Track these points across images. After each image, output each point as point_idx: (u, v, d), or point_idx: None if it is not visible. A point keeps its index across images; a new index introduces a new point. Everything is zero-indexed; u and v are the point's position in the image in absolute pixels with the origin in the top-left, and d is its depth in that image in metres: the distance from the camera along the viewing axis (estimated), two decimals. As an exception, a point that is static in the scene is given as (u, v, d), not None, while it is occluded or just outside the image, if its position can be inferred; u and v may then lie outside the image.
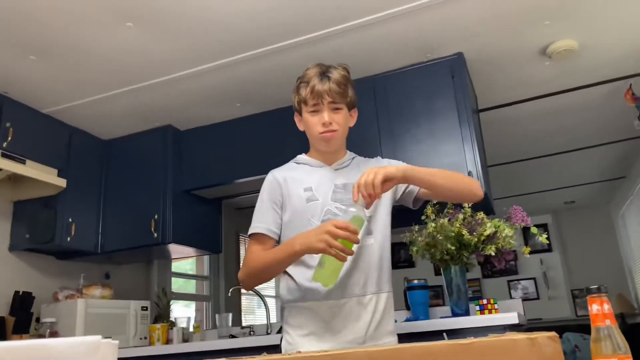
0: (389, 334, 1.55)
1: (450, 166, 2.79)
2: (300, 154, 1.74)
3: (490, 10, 2.57)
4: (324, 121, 1.54)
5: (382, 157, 2.89)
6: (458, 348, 0.84)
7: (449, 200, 1.94)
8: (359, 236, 1.35)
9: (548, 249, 6.88)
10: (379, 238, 1.58)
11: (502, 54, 2.99)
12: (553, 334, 0.82)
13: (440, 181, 1.52)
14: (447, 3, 2.48)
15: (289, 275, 1.57)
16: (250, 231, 1.59)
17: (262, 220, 1.59)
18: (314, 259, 1.46)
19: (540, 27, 2.75)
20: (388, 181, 1.38)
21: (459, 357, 0.83)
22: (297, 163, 1.70)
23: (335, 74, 1.55)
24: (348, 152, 1.72)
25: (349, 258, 1.43)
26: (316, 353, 0.87)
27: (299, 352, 1.02)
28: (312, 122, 1.57)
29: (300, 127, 1.66)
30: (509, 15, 2.63)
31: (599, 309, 0.87)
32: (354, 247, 1.38)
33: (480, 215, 2.36)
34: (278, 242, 1.58)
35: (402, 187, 1.65)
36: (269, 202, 1.60)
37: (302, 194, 1.58)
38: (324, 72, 1.55)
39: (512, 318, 2.16)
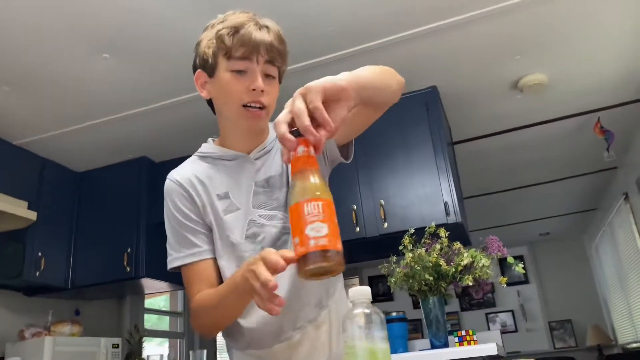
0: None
1: (427, 197, 2.81)
2: (208, 141, 1.25)
3: (462, 45, 2.65)
4: (255, 86, 1.06)
5: (359, 186, 2.97)
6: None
7: (379, 109, 1.14)
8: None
9: (525, 280, 6.92)
10: None
11: (475, 87, 3.06)
12: (533, 360, 0.82)
13: (387, 83, 1.05)
14: (420, 38, 2.55)
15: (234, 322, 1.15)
16: (173, 264, 1.15)
17: (184, 245, 1.14)
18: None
19: (512, 62, 2.83)
20: (338, 101, 0.82)
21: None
22: (202, 157, 1.21)
23: (275, 26, 1.10)
24: (271, 127, 1.23)
25: (293, 278, 1.10)
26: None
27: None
28: (234, 87, 1.08)
29: (204, 93, 1.16)
30: (481, 50, 2.71)
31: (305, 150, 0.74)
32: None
33: (457, 245, 2.37)
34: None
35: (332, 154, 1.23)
36: (184, 217, 1.15)
37: (216, 205, 1.14)
38: (258, 20, 1.09)
39: (491, 349, 2.15)
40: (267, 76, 1.10)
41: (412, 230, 2.48)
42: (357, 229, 2.89)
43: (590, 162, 4.40)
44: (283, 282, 1.08)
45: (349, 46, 2.58)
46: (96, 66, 2.54)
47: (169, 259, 1.17)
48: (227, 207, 1.14)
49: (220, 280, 1.14)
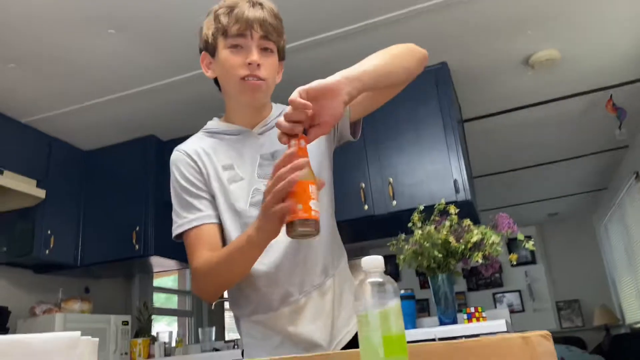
0: (351, 317, 1.23)
1: (436, 174, 2.79)
2: (213, 119, 1.31)
3: (473, 20, 2.60)
4: (250, 60, 1.12)
5: (367, 163, 2.95)
6: (451, 348, 0.81)
7: (395, 88, 1.24)
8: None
9: (532, 260, 6.91)
10: (324, 201, 1.19)
11: (486, 63, 3.01)
12: (546, 332, 0.80)
13: (396, 66, 1.12)
14: (430, 12, 2.50)
15: (237, 288, 1.21)
16: (178, 230, 1.17)
17: (190, 210, 1.17)
18: (265, 264, 1.14)
19: (523, 37, 2.78)
20: (330, 98, 0.93)
21: (453, 356, 0.80)
22: (207, 133, 1.26)
23: (269, 4, 1.16)
24: (274, 105, 1.29)
25: (296, 243, 1.14)
26: (308, 355, 0.84)
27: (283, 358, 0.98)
28: (232, 62, 1.14)
29: (209, 73, 1.23)
30: (492, 25, 2.66)
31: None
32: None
33: (467, 222, 2.35)
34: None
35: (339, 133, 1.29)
36: (189, 185, 1.19)
37: (221, 174, 1.19)
38: (252, 0, 1.15)
39: (500, 326, 2.14)
40: (264, 50, 1.15)
41: (422, 208, 2.46)
42: (366, 207, 2.88)
43: (601, 140, 4.35)
44: (291, 246, 1.15)
45: (356, 22, 2.54)
46: (102, 42, 2.52)
47: (174, 227, 1.19)
48: (232, 177, 1.19)
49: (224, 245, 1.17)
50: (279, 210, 0.90)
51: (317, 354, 0.85)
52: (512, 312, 6.67)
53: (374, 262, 0.76)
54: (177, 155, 1.23)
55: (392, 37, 2.69)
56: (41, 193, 3.14)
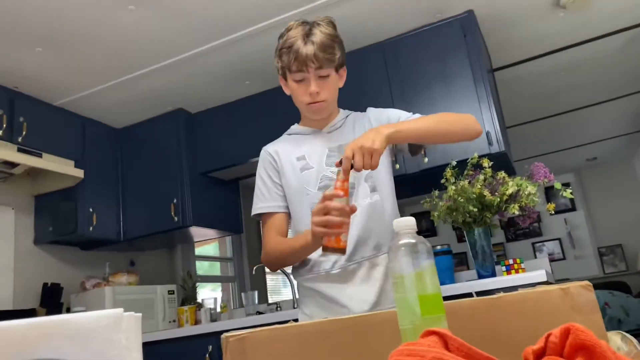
0: None
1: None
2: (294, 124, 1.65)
3: (499, -38, 2.48)
4: (310, 91, 1.41)
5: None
6: (488, 303, 0.81)
7: (447, 143, 1.66)
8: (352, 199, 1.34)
9: (572, 208, 6.78)
10: (385, 191, 1.49)
11: (514, 8, 2.89)
12: (586, 283, 0.79)
13: (433, 130, 1.40)
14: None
15: None
16: (257, 211, 1.53)
17: (266, 199, 1.52)
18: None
19: (553, -23, 2.65)
20: (372, 154, 1.25)
21: (491, 312, 0.80)
22: (289, 135, 1.62)
23: (320, 36, 1.38)
24: (341, 110, 1.60)
25: (355, 219, 1.39)
26: (345, 317, 0.85)
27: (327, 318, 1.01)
28: (298, 92, 1.45)
29: (287, 92, 1.53)
30: (519, -33, 2.54)
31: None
32: (358, 209, 1.35)
33: (502, 174, 2.31)
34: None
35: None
36: (268, 179, 1.54)
37: (295, 164, 1.51)
38: (307, 34, 1.39)
39: (540, 276, 2.13)
40: (321, 77, 1.42)
41: (454, 163, 2.43)
42: (397, 166, 2.85)
43: (638, 80, 4.16)
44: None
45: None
46: (123, 19, 2.52)
47: (254, 207, 1.54)
48: (304, 166, 1.50)
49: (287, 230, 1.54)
50: (318, 233, 1.23)
51: (354, 315, 0.87)
52: (552, 260, 6.61)
53: (406, 224, 0.76)
54: (263, 154, 1.59)
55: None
56: (80, 173, 3.23)
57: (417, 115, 1.52)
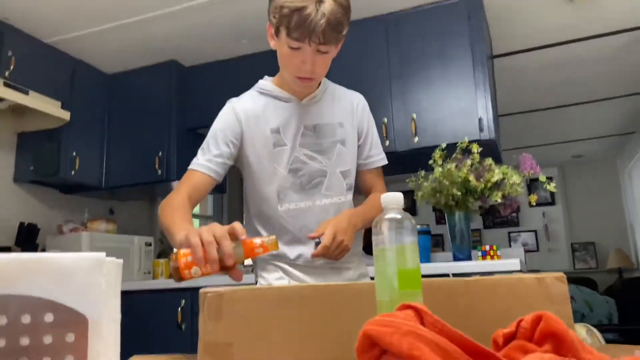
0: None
1: (461, 111, 2.74)
2: (265, 78, 1.47)
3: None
4: (305, 67, 1.27)
5: (391, 98, 2.89)
6: (466, 284, 0.83)
7: None
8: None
9: (551, 202, 6.89)
10: (350, 191, 1.45)
11: (522, -4, 2.87)
12: (560, 274, 0.81)
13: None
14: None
15: (260, 234, 1.41)
16: (194, 167, 1.36)
17: (207, 159, 1.35)
18: (290, 224, 1.38)
19: (564, -32, 2.62)
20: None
21: (467, 292, 0.82)
22: (261, 92, 1.43)
23: (332, 6, 1.19)
24: (322, 80, 1.45)
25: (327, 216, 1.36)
26: (324, 284, 0.86)
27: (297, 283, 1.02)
28: (290, 60, 1.28)
29: (272, 46, 1.34)
30: (532, -46, 2.50)
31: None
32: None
33: (489, 161, 2.33)
34: (223, 187, 1.41)
35: (360, 157, 1.49)
36: (222, 142, 1.36)
37: (268, 136, 1.36)
38: (318, 4, 1.18)
39: (514, 265, 2.17)
40: (320, 52, 1.25)
41: (444, 145, 2.44)
42: (387, 142, 2.85)
43: (634, 83, 4.18)
44: (314, 217, 1.37)
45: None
46: (125, -39, 2.45)
47: (195, 160, 1.38)
48: (277, 142, 1.36)
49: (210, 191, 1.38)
50: (182, 246, 1.01)
51: (334, 283, 0.88)
52: (526, 251, 6.74)
53: (393, 199, 0.77)
54: (227, 108, 1.40)
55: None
56: (66, 115, 3.17)
57: (383, 157, 1.52)
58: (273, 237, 1.03)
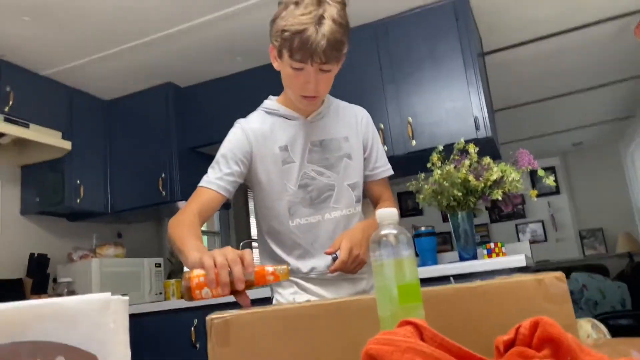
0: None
1: (456, 112, 2.76)
2: (270, 98, 1.52)
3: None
4: (309, 87, 1.31)
5: (386, 104, 2.91)
6: (465, 291, 0.84)
7: None
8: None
9: (556, 191, 6.87)
10: (359, 203, 1.49)
11: (507, -8, 2.89)
12: (560, 274, 0.82)
13: None
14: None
15: (272, 250, 1.46)
16: (204, 184, 1.38)
17: (214, 175, 1.38)
18: (302, 239, 1.42)
19: (547, -38, 2.64)
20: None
21: (467, 300, 0.83)
22: (267, 112, 1.47)
23: (332, 27, 1.22)
24: (327, 97, 1.50)
25: (337, 230, 1.40)
26: (328, 301, 0.88)
27: (309, 301, 1.04)
28: (293, 80, 1.32)
29: (276, 66, 1.38)
30: (513, -49, 2.53)
31: None
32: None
33: (487, 160, 2.34)
34: (228, 202, 1.41)
35: (367, 169, 1.53)
36: (232, 160, 1.39)
37: (277, 154, 1.40)
38: (318, 20, 1.21)
39: (519, 261, 2.18)
40: (322, 71, 1.29)
41: (441, 148, 2.46)
42: (385, 147, 2.87)
43: (627, 68, 4.19)
44: (327, 230, 1.42)
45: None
46: (113, -9, 2.48)
47: (206, 177, 1.40)
48: (286, 159, 1.40)
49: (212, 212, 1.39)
50: (195, 267, 1.03)
51: (336, 299, 0.89)
52: (535, 242, 6.72)
53: (388, 214, 0.79)
54: (237, 129, 1.43)
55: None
56: (67, 144, 3.21)
57: (388, 167, 1.56)
58: (285, 266, 1.05)
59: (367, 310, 0.80)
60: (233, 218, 4.89)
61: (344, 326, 0.81)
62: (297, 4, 1.24)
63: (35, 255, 3.12)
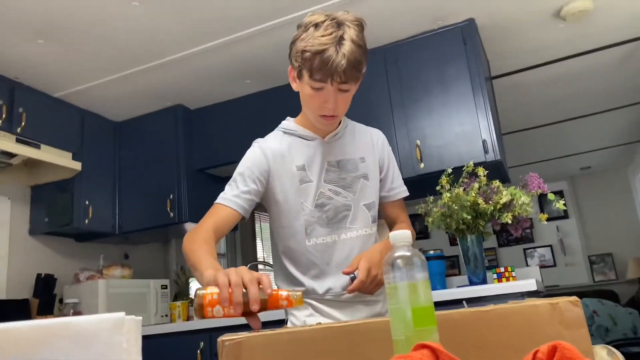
0: None
1: (464, 135, 2.77)
2: (287, 119, 1.53)
3: (501, -27, 2.50)
4: (328, 107, 1.32)
5: (394, 127, 2.92)
6: (479, 315, 0.83)
7: None
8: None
9: (564, 215, 6.83)
10: (375, 223, 1.49)
11: (515, 17, 2.92)
12: (574, 298, 0.81)
13: None
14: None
15: (288, 270, 1.46)
16: (221, 201, 1.38)
17: (235, 194, 1.38)
18: (318, 259, 1.41)
19: (554, -11, 2.67)
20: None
21: (481, 324, 0.82)
22: (285, 132, 1.48)
23: (351, 47, 1.25)
24: (343, 118, 1.52)
25: (354, 251, 1.40)
26: (340, 323, 0.87)
27: (320, 323, 1.03)
28: (313, 100, 1.33)
29: (294, 87, 1.40)
30: (521, -22, 2.56)
31: None
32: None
33: (496, 183, 2.34)
34: (243, 218, 1.39)
35: (383, 190, 1.53)
36: (250, 179, 1.40)
37: (294, 174, 1.41)
38: (339, 41, 1.24)
39: (530, 285, 2.16)
40: (341, 90, 1.31)
41: (450, 170, 2.45)
42: (394, 169, 2.87)
43: (635, 92, 4.20)
44: (342, 249, 1.42)
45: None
46: (126, 14, 2.53)
47: (223, 194, 1.40)
48: (303, 178, 1.41)
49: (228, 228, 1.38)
50: (211, 284, 1.01)
51: (348, 322, 0.88)
52: (543, 267, 6.65)
53: (401, 236, 0.79)
54: (255, 148, 1.45)
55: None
56: (77, 165, 3.23)
57: (404, 189, 1.57)
58: (299, 293, 1.04)
59: (380, 333, 0.79)
60: (240, 240, 4.89)
61: (356, 349, 0.80)
62: (316, 26, 1.27)
63: (42, 275, 3.12)
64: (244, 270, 1.00)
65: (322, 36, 1.25)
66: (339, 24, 1.27)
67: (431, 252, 2.68)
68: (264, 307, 1.00)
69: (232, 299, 0.97)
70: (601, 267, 6.69)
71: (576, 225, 6.85)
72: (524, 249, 6.97)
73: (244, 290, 0.98)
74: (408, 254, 0.76)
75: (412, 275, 0.75)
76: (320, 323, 1.03)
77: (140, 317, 0.67)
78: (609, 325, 4.80)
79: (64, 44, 2.74)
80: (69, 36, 2.67)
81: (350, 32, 1.26)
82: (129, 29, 2.66)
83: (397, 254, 0.77)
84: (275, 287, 1.07)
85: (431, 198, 2.50)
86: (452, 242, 6.62)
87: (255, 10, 2.60)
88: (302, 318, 1.42)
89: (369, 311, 1.42)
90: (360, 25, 1.31)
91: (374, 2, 2.62)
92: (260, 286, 0.99)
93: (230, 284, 0.97)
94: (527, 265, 6.76)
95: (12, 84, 2.98)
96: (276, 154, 1.42)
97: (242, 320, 1.05)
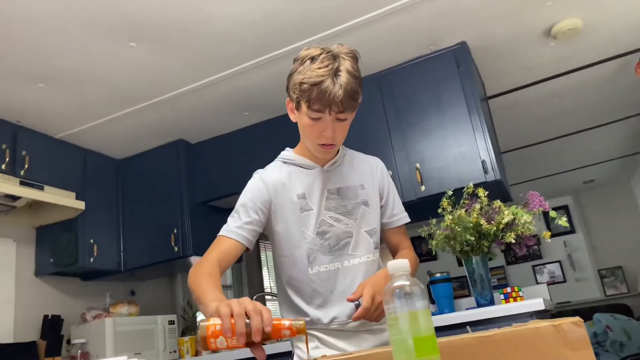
0: None
1: (463, 157, 2.78)
2: (286, 149, 1.55)
3: (490, -4, 2.55)
4: (327, 135, 1.34)
5: (393, 151, 2.95)
6: (482, 340, 0.83)
7: None
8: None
9: (571, 230, 6.79)
10: (377, 249, 1.49)
11: (506, 38, 2.96)
12: (577, 319, 0.81)
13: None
14: (445, -7, 2.47)
15: (292, 301, 1.45)
16: (225, 234, 1.39)
17: (234, 224, 1.39)
18: (321, 287, 1.41)
19: (543, 8, 2.72)
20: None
21: (485, 349, 0.82)
22: (284, 162, 1.50)
23: (347, 78, 1.29)
24: (340, 147, 1.54)
25: (357, 277, 1.40)
26: (344, 355, 0.87)
27: (325, 356, 1.03)
28: (311, 130, 1.36)
29: (293, 119, 1.44)
30: None
31: None
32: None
33: (497, 203, 2.34)
34: (247, 249, 1.41)
35: (384, 216, 1.54)
36: (252, 210, 1.41)
37: (295, 202, 1.43)
38: (335, 73, 1.28)
39: (537, 304, 2.14)
40: (338, 120, 1.34)
41: (450, 192, 2.46)
42: (395, 193, 2.88)
43: (632, 105, 4.22)
44: (344, 278, 1.42)
45: (373, 10, 2.53)
46: (124, 55, 2.58)
47: (226, 227, 1.41)
48: (304, 206, 1.43)
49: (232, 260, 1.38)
50: (213, 316, 1.01)
51: (352, 353, 0.88)
52: (553, 283, 6.59)
53: (399, 266, 0.79)
54: (256, 179, 1.47)
55: (409, 21, 2.67)
56: (81, 205, 3.25)
57: (405, 215, 1.57)
58: (302, 322, 1.03)
59: (383, 364, 0.79)
60: (246, 271, 4.87)
61: (360, 381, 0.80)
62: (313, 59, 1.31)
63: (49, 316, 3.11)
64: (246, 301, 1.00)
65: (319, 68, 1.28)
66: (335, 57, 1.31)
67: (438, 274, 2.67)
68: (267, 337, 0.99)
69: (234, 329, 0.96)
70: (612, 280, 6.62)
71: (583, 240, 6.80)
72: (533, 266, 6.91)
73: (247, 320, 0.97)
74: (407, 283, 0.77)
75: (412, 304, 0.75)
76: (325, 356, 1.02)
77: (144, 360, 0.68)
78: (624, 339, 4.72)
79: (64, 87, 2.79)
80: (68, 79, 2.73)
81: (345, 64, 1.30)
82: (127, 69, 2.71)
83: (395, 284, 0.77)
84: (279, 317, 1.07)
85: (434, 220, 2.50)
86: (460, 263, 6.56)
87: (247, 46, 2.65)
88: (310, 352, 1.40)
89: (375, 340, 1.41)
90: (354, 57, 1.34)
91: (366, 32, 2.67)
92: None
93: (232, 315, 0.97)
94: (537, 282, 6.69)
95: (15, 127, 3.03)
96: (277, 183, 1.44)
97: (249, 353, 1.04)
